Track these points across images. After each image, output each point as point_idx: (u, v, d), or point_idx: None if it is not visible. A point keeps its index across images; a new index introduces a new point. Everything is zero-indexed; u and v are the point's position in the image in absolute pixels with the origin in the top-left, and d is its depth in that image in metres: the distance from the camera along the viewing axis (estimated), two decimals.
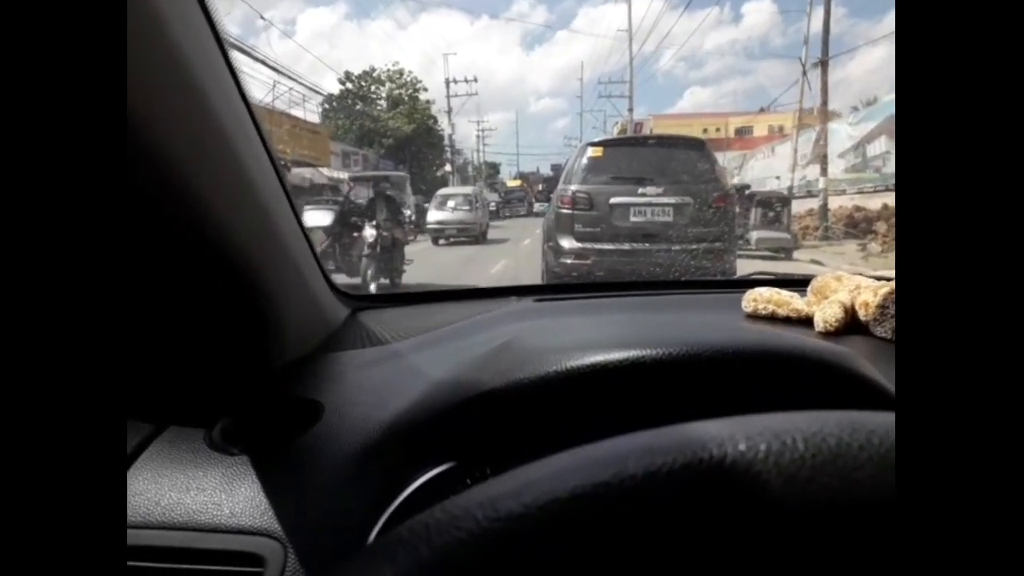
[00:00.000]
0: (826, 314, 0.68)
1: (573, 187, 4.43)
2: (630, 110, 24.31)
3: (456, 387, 0.58)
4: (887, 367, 0.55)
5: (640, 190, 4.28)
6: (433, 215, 11.56)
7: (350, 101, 24.03)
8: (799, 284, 0.82)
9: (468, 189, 13.69)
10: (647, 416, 0.48)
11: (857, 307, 0.68)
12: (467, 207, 11.88)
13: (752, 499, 0.18)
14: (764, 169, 16.34)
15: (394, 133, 23.13)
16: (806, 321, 0.72)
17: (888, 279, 0.74)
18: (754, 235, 7.86)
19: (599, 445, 0.21)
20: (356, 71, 25.66)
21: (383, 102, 24.84)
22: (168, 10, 0.39)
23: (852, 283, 0.73)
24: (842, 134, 12.60)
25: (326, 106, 22.95)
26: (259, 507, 0.50)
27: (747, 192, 8.58)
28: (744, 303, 0.77)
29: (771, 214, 8.21)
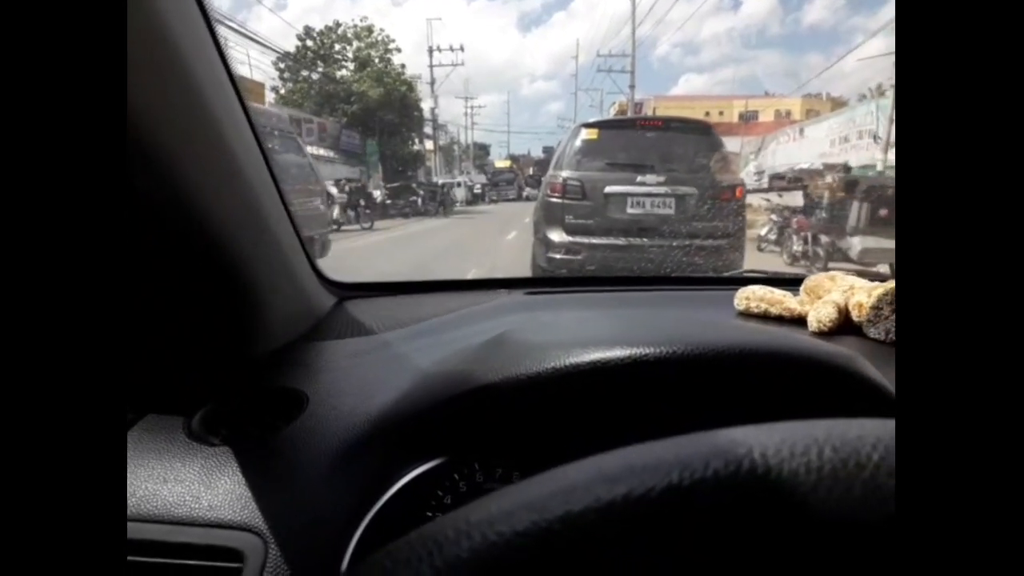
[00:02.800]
0: (820, 314, 0.75)
1: (564, 173, 4.56)
2: (631, 86, 24.49)
3: (449, 380, 0.62)
4: (882, 368, 0.61)
5: (639, 178, 4.42)
6: None
7: (309, 61, 23.83)
8: (791, 283, 0.88)
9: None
10: (646, 415, 0.53)
11: (851, 308, 0.74)
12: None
13: (793, 508, 0.19)
14: (790, 154, 16.50)
15: (359, 98, 23.00)
16: (799, 320, 0.79)
17: (882, 279, 0.80)
18: (856, 243, 6.48)
19: (635, 449, 0.22)
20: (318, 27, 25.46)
21: (350, 64, 24.73)
22: (182, 36, 0.45)
23: (846, 283, 0.79)
24: (858, 121, 12.94)
25: (280, 66, 22.75)
26: (239, 500, 0.53)
27: (846, 178, 7.29)
28: (736, 301, 0.84)
29: (883, 212, 6.51)
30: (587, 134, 4.68)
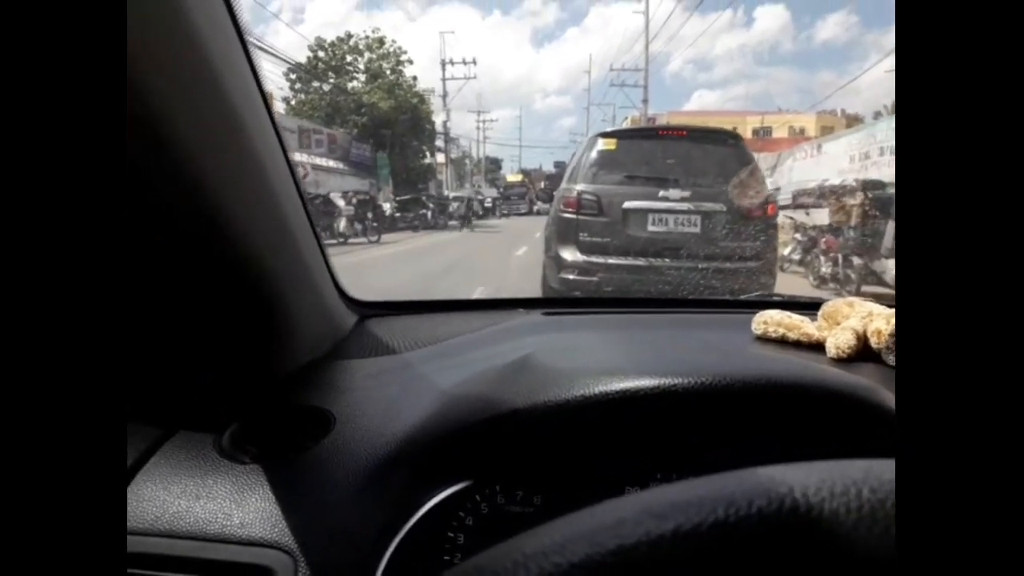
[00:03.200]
0: (839, 341, 0.74)
1: (579, 187, 4.16)
2: (644, 101, 24.32)
3: (475, 403, 0.63)
4: None
5: (661, 193, 4.02)
6: None
7: (321, 72, 23.76)
8: (808, 307, 0.87)
9: None
10: (668, 442, 0.59)
11: (869, 335, 0.73)
12: None
13: (834, 547, 0.19)
14: (807, 171, 16.16)
15: (370, 110, 22.86)
16: (816, 346, 0.77)
17: None
18: (892, 266, 6.11)
19: (679, 486, 0.23)
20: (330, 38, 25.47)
21: (361, 75, 24.63)
22: (196, 15, 0.44)
23: (864, 309, 0.78)
24: (879, 137, 12.65)
25: (291, 77, 22.69)
26: (270, 518, 0.54)
27: (882, 195, 6.92)
28: (754, 325, 0.82)
29: None
30: (604, 144, 4.27)
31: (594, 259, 4.05)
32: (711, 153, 4.20)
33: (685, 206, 4.01)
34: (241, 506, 0.55)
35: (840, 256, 7.04)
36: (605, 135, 4.35)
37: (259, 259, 0.59)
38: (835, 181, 8.50)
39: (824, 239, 7.66)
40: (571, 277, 4.06)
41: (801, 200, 9.07)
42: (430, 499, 0.59)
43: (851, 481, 0.21)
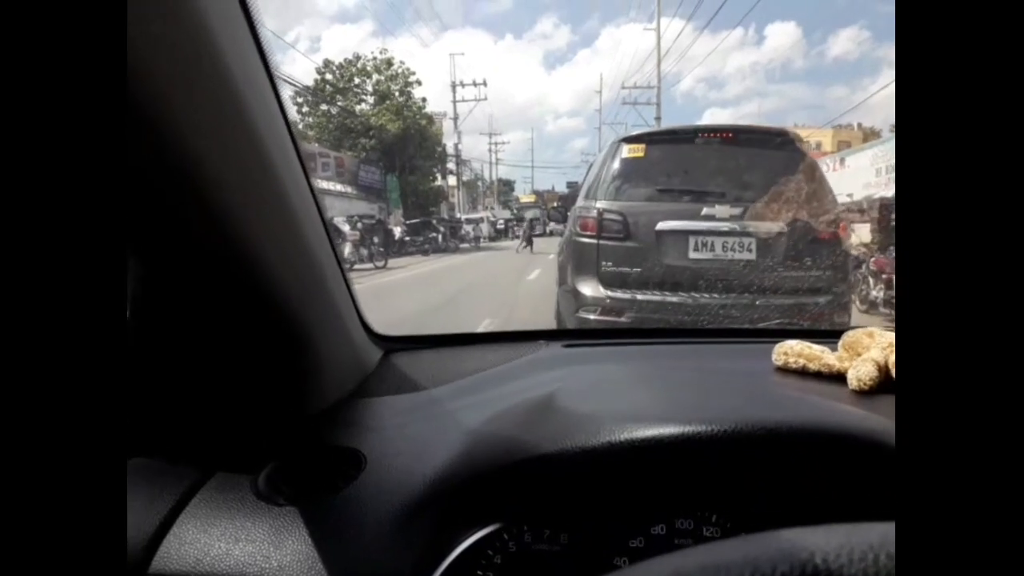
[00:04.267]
0: (860, 373, 0.74)
1: (599, 204, 3.32)
2: (657, 118, 23.69)
3: (500, 445, 0.65)
4: None
5: (704, 210, 3.17)
6: None
7: (328, 95, 23.33)
8: (828, 336, 0.88)
9: None
10: (687, 487, 0.64)
11: (890, 366, 0.74)
12: None
13: None
14: (831, 185, 15.47)
15: (378, 132, 22.31)
16: (837, 377, 0.78)
17: None
18: None
19: (705, 549, 0.24)
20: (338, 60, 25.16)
21: (369, 97, 24.17)
22: (225, 46, 0.44)
23: (885, 340, 0.78)
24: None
25: (298, 100, 22.27)
26: (306, 560, 0.55)
27: None
28: (775, 356, 0.84)
29: None
30: (629, 151, 3.42)
31: (620, 295, 3.20)
32: (765, 159, 3.32)
33: (735, 226, 3.15)
34: (279, 548, 0.56)
35: (894, 278, 6.26)
36: (631, 139, 3.47)
37: (288, 298, 0.59)
38: (887, 193, 7.67)
39: (873, 259, 6.79)
40: (592, 317, 3.22)
41: (846, 216, 8.26)
42: (462, 542, 0.60)
43: (869, 546, 0.21)
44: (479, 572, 0.61)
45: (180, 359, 0.62)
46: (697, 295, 3.14)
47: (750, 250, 3.16)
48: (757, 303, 3.06)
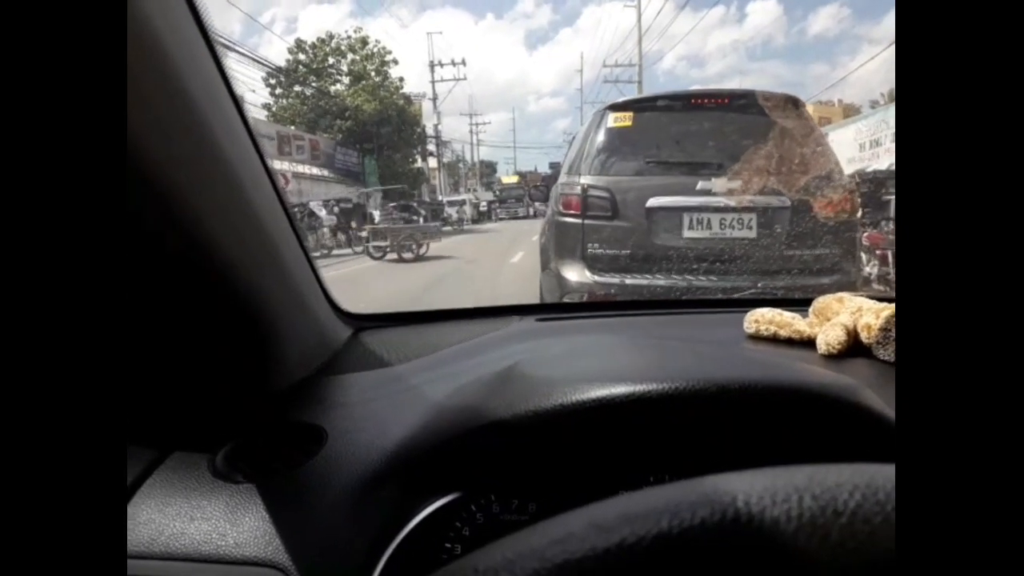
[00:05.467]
0: (828, 337, 0.75)
1: (584, 180, 2.99)
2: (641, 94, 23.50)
3: (460, 415, 0.64)
4: (889, 391, 0.61)
5: (699, 184, 2.86)
6: None
7: (301, 76, 22.57)
8: (800, 304, 0.88)
9: None
10: (651, 450, 0.62)
11: (859, 329, 0.75)
12: None
13: (774, 554, 0.20)
14: None
15: (354, 113, 21.66)
16: (808, 343, 0.79)
17: (891, 300, 0.79)
18: None
19: (628, 498, 0.23)
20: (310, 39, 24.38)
21: (344, 78, 23.43)
22: (177, 53, 0.45)
23: (854, 305, 0.80)
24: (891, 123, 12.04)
25: (271, 82, 21.55)
26: (264, 537, 0.54)
27: None
28: (746, 324, 0.84)
29: None
30: (616, 120, 3.08)
31: (608, 279, 2.90)
32: (764, 127, 3.00)
33: (734, 201, 2.84)
34: (235, 525, 0.55)
35: (890, 253, 6.05)
36: (617, 107, 3.12)
37: (245, 277, 0.59)
38: (882, 167, 7.47)
39: (866, 234, 6.59)
40: (577, 302, 2.91)
41: None
42: (420, 511, 0.60)
43: (793, 488, 0.21)
44: (447, 544, 0.61)
45: (133, 339, 0.59)
46: (692, 278, 2.85)
47: (750, 227, 2.86)
48: (759, 285, 2.77)
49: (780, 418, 0.60)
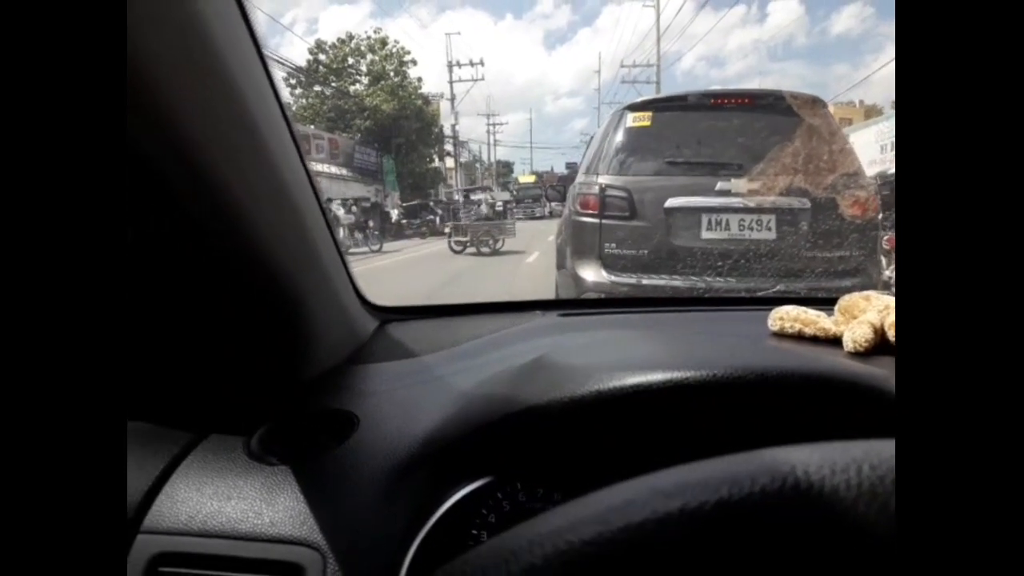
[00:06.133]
0: (855, 335, 0.74)
1: (602, 179, 2.98)
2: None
3: (491, 402, 0.65)
4: None
5: (718, 185, 2.84)
6: None
7: (322, 76, 22.76)
8: (825, 303, 0.87)
9: None
10: (683, 436, 0.60)
11: (886, 328, 0.74)
12: None
13: (833, 522, 0.20)
14: None
15: (372, 113, 21.78)
16: (833, 341, 0.78)
17: None
18: None
19: (687, 468, 0.23)
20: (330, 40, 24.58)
21: (363, 78, 23.58)
22: (217, 31, 0.45)
23: (881, 303, 0.78)
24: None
25: (291, 82, 21.75)
26: (299, 517, 0.55)
27: None
28: (770, 321, 0.83)
29: None
30: (635, 120, 3.07)
31: (625, 279, 2.88)
32: (785, 128, 2.97)
33: (753, 202, 2.82)
34: (271, 505, 0.56)
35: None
36: (636, 107, 3.11)
37: (283, 268, 0.60)
38: (888, 171, 7.34)
39: (887, 237, 6.48)
40: None
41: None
42: (452, 496, 0.60)
43: (851, 459, 0.21)
44: (474, 531, 0.61)
45: (173, 326, 0.62)
46: (710, 279, 2.82)
47: (769, 228, 2.83)
48: (778, 287, 2.74)
49: (814, 407, 0.60)
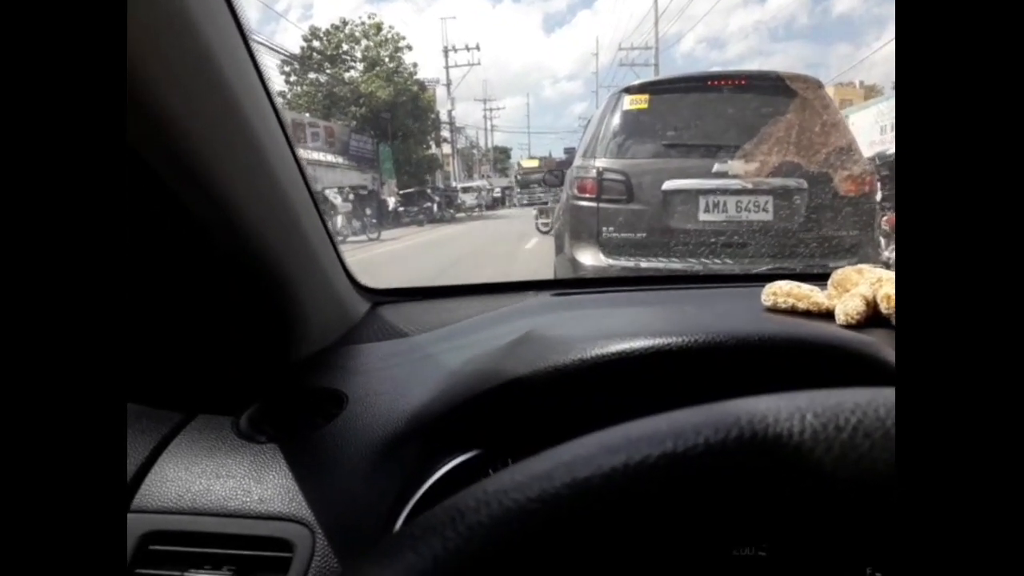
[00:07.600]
0: (847, 307, 0.75)
1: (599, 163, 2.99)
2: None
3: (479, 376, 0.65)
4: None
5: (715, 167, 2.85)
6: None
7: (316, 63, 22.56)
8: (819, 278, 0.88)
9: None
10: (671, 405, 0.52)
11: (879, 300, 0.74)
12: None
13: (776, 470, 0.21)
14: None
15: (368, 100, 21.63)
16: (827, 315, 0.79)
17: None
18: None
19: (634, 423, 0.24)
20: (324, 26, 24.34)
21: (358, 64, 23.38)
22: (198, 13, 0.45)
23: (874, 276, 0.79)
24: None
25: (285, 69, 21.57)
26: (287, 493, 0.56)
27: None
28: (764, 296, 0.84)
29: None
30: (632, 102, 3.07)
31: (623, 262, 2.90)
32: (782, 108, 2.97)
33: (751, 183, 2.83)
34: (260, 483, 0.57)
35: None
36: (633, 89, 3.11)
37: (271, 251, 0.60)
38: (887, 151, 7.32)
39: (885, 218, 6.48)
40: None
41: None
42: (440, 468, 0.60)
43: (795, 408, 0.22)
44: None
45: (162, 307, 0.63)
46: (708, 261, 2.84)
47: (767, 210, 2.84)
48: (776, 268, 2.75)
49: (799, 372, 0.60)
